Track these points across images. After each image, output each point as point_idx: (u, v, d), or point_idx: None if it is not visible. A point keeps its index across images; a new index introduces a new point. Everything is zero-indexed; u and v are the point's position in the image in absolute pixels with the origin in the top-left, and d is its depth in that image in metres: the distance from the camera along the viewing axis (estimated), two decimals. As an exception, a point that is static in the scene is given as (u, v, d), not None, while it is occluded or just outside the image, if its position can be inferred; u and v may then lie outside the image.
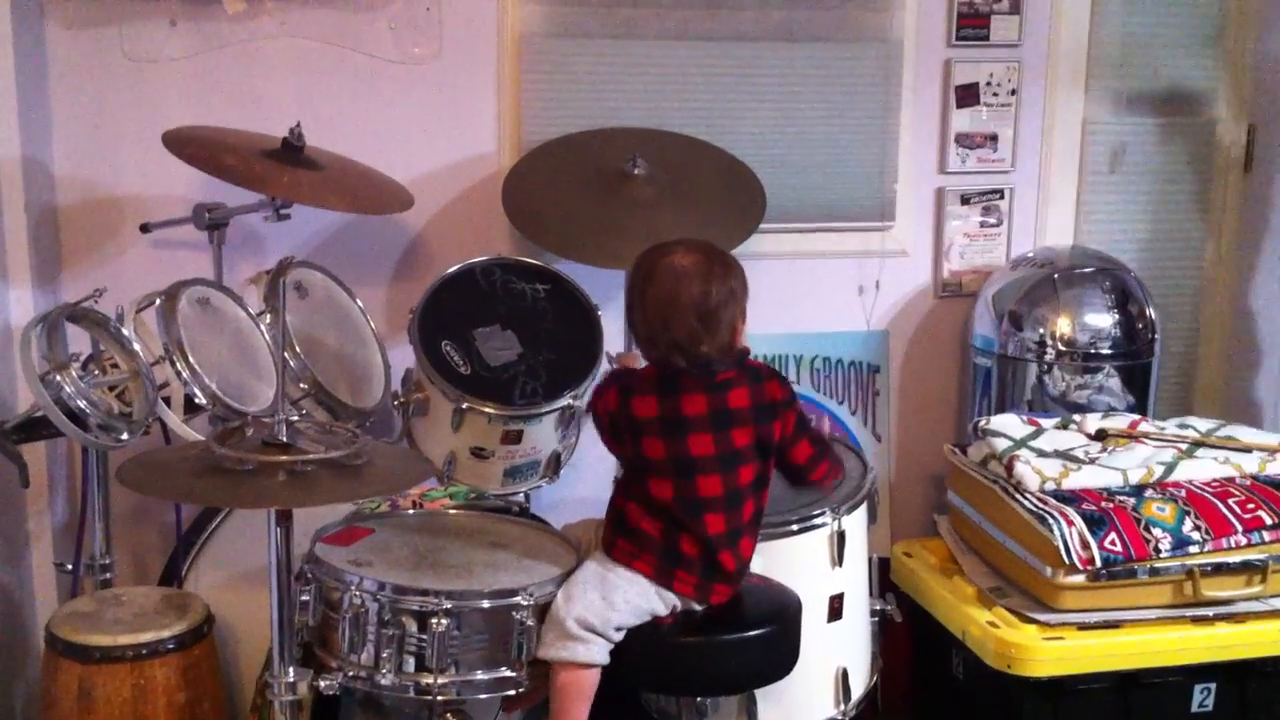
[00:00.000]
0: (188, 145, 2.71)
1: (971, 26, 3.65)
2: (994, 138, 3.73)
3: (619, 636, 2.37)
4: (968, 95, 3.69)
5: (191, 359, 2.38)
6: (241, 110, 3.22)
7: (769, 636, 2.45)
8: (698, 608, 2.43)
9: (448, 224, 3.45)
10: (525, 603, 2.31)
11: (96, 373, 2.31)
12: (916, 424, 3.84)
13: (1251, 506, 3.03)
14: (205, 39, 3.25)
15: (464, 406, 2.89)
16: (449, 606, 2.25)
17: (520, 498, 3.06)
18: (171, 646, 2.41)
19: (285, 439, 2.08)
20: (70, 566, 2.76)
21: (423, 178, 3.39)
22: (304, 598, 2.33)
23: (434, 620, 2.25)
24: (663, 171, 3.24)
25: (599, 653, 2.32)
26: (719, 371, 2.42)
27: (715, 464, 2.40)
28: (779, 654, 2.49)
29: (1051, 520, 2.94)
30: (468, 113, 3.42)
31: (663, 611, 2.40)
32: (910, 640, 3.32)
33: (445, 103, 3.40)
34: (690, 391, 2.41)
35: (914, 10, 3.62)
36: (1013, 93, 3.70)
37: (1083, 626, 2.93)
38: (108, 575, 2.74)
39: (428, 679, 2.28)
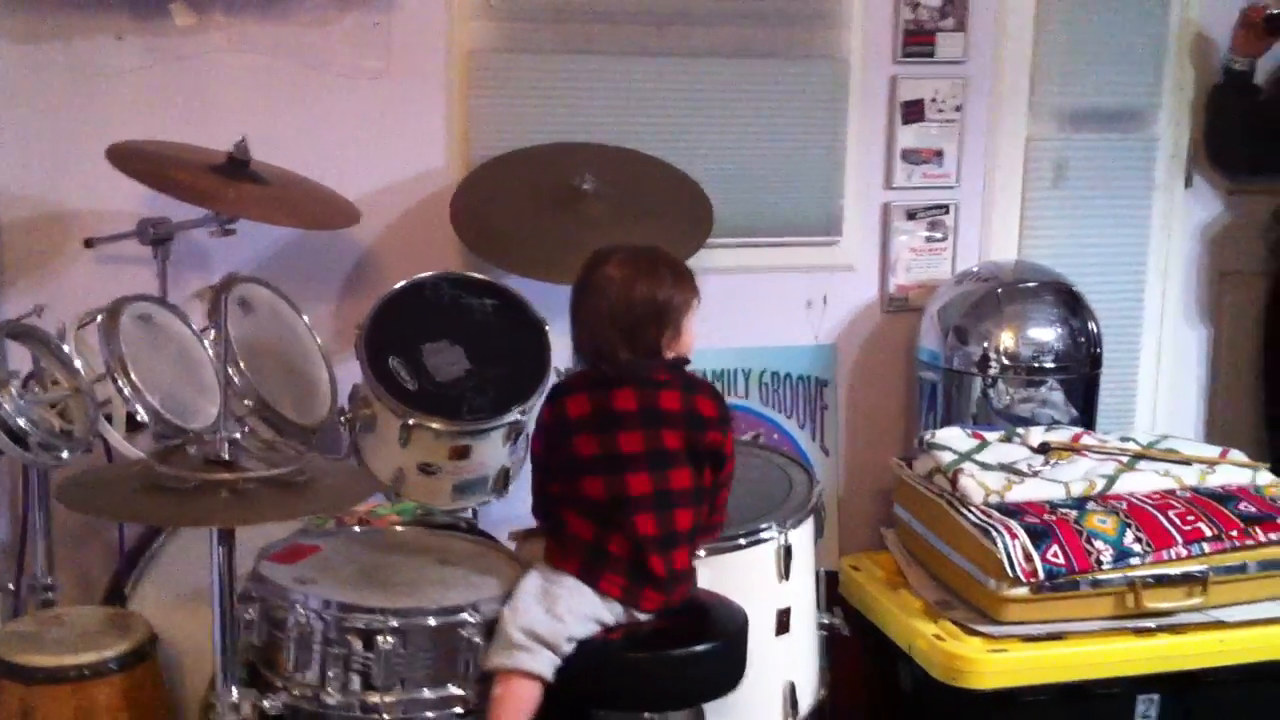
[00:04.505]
0: (133, 160, 2.69)
1: (917, 43, 3.69)
2: (939, 153, 3.77)
3: (569, 648, 2.36)
4: (913, 111, 3.72)
5: (133, 376, 2.36)
6: (189, 125, 3.19)
7: (717, 650, 2.46)
8: (640, 616, 2.42)
9: (398, 239, 3.44)
10: (472, 619, 2.31)
11: (37, 390, 2.29)
12: (864, 438, 3.86)
13: (1191, 518, 3.07)
14: (153, 53, 3.23)
15: (411, 422, 2.89)
16: (395, 624, 2.25)
17: (469, 513, 3.05)
18: (114, 667, 2.38)
19: (228, 457, 2.07)
20: (11, 586, 2.73)
21: (373, 193, 3.38)
22: (248, 616, 2.31)
23: (380, 638, 2.24)
24: (612, 187, 3.25)
25: (544, 664, 2.31)
26: (652, 373, 2.44)
27: (644, 462, 2.41)
28: (727, 668, 2.49)
29: (995, 533, 2.97)
30: (417, 128, 3.42)
31: (609, 619, 2.40)
32: (860, 654, 3.33)
33: (394, 118, 3.39)
34: (621, 387, 2.44)
35: (861, 28, 3.65)
36: (958, 109, 3.74)
37: (1027, 638, 2.96)
38: (50, 595, 2.70)
39: (374, 698, 2.27)
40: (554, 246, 3.11)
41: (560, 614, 2.34)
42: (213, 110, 3.25)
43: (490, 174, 3.31)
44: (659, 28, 3.50)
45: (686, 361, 2.51)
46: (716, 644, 2.46)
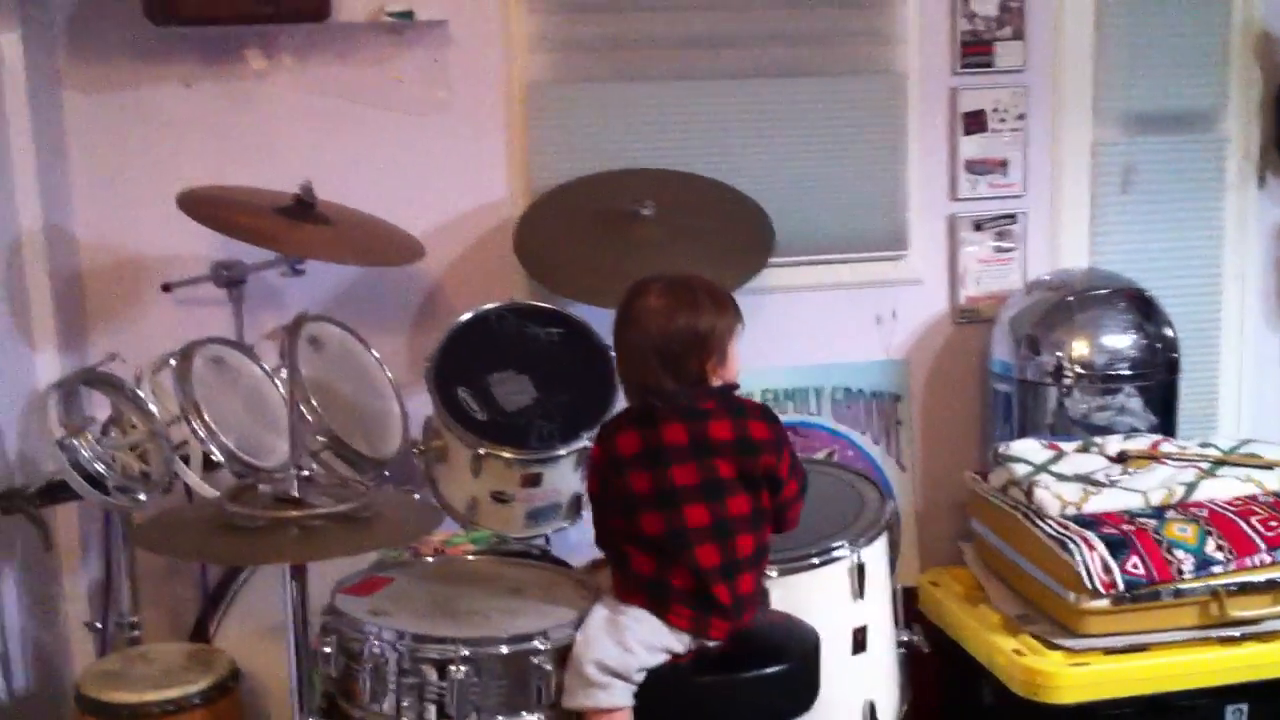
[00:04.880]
0: (202, 206, 2.76)
1: (976, 54, 3.67)
2: (1004, 163, 3.74)
3: (640, 677, 2.37)
4: (975, 122, 3.70)
5: (207, 417, 2.42)
6: (256, 168, 3.27)
7: (787, 672, 2.45)
8: (710, 644, 2.43)
9: (463, 272, 3.49)
10: (543, 647, 2.32)
11: (115, 435, 2.36)
12: (940, 452, 3.83)
13: (1275, 524, 3.01)
14: (219, 99, 3.32)
15: (481, 452, 2.93)
16: (467, 653, 2.26)
17: (542, 540, 3.08)
18: (198, 702, 2.44)
19: (296, 494, 2.11)
20: (99, 625, 2.80)
21: (437, 227, 3.44)
22: (325, 649, 2.35)
23: (453, 668, 2.26)
24: (672, 211, 3.27)
25: (621, 696, 2.32)
26: (698, 401, 2.45)
27: (699, 493, 2.40)
28: (798, 690, 2.48)
29: (1072, 545, 2.94)
30: (478, 161, 3.47)
31: (679, 648, 2.41)
32: (940, 670, 3.31)
33: (456, 152, 3.45)
34: (669, 421, 2.43)
35: (917, 41, 3.65)
36: (1020, 117, 3.72)
37: (1109, 651, 2.92)
38: (135, 633, 2.77)
39: (449, 727, 2.29)
40: (615, 273, 3.10)
41: (630, 645, 2.34)
42: (280, 152, 3.32)
43: (551, 203, 3.35)
44: (713, 51, 3.53)
45: (735, 387, 2.51)
46: (786, 665, 2.45)
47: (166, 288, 3.25)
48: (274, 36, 3.28)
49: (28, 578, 2.89)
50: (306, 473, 2.15)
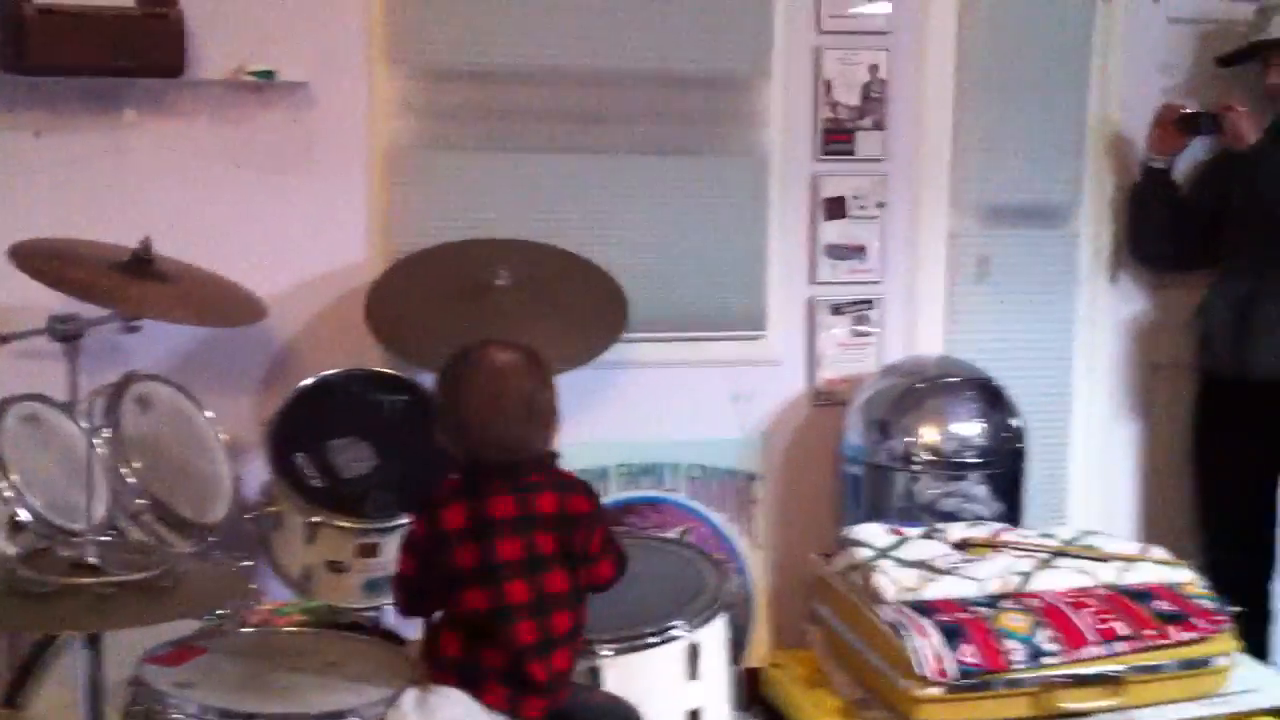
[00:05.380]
0: (33, 258, 2.70)
1: (837, 141, 3.73)
2: (862, 249, 3.79)
3: None
4: (835, 208, 3.75)
5: (13, 476, 2.34)
6: (108, 222, 3.17)
7: (608, 756, 2.43)
8: (527, 725, 2.39)
9: (318, 334, 3.44)
10: (353, 726, 2.27)
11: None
12: (794, 532, 3.84)
13: (1106, 617, 3.05)
14: (70, 150, 3.25)
15: (316, 520, 2.88)
16: (271, 730, 2.21)
17: (376, 612, 3.02)
18: (-11, 773, 2.35)
19: (94, 560, 2.05)
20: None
21: (293, 288, 3.40)
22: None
23: (259, 744, 2.21)
24: (528, 282, 3.26)
25: (428, 778, 2.28)
26: (529, 473, 2.42)
27: (522, 569, 2.37)
28: (619, 772, 2.46)
29: (906, 631, 2.95)
30: (337, 223, 3.44)
31: (494, 733, 2.37)
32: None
33: (315, 213, 3.42)
34: (498, 494, 2.40)
35: (780, 126, 3.69)
36: (880, 205, 3.77)
37: (942, 740, 2.94)
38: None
39: (253, 803, 2.22)
40: (466, 341, 3.10)
41: None
42: (134, 207, 3.25)
43: (406, 269, 3.32)
44: (581, 125, 3.54)
45: (557, 457, 2.49)
46: (608, 748, 2.42)
47: (3, 339, 3.15)
48: (129, 89, 3.23)
49: None
50: (107, 537, 2.08)
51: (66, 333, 2.92)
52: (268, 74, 3.25)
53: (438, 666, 2.39)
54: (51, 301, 3.12)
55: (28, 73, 3.05)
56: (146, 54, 3.01)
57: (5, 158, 3.22)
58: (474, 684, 2.34)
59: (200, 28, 3.22)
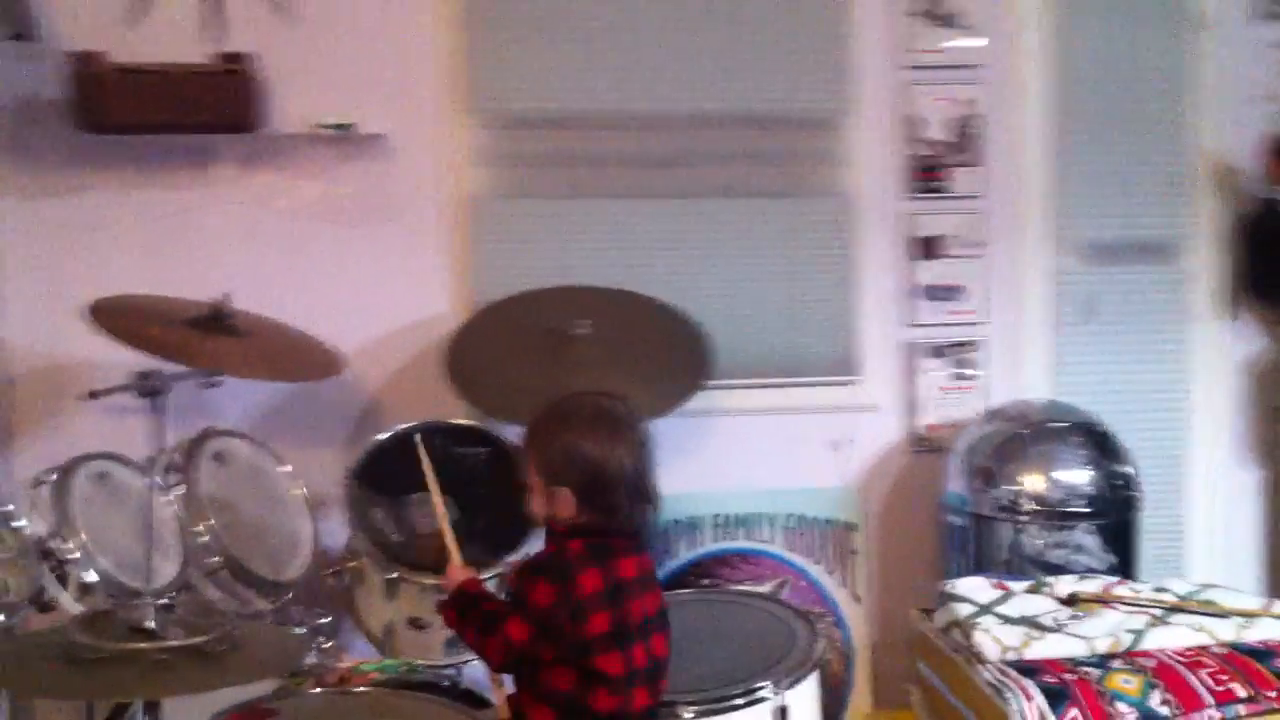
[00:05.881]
0: (111, 316, 2.71)
1: (929, 179, 3.61)
2: (961, 289, 3.66)
3: None
4: (931, 247, 3.63)
5: (83, 536, 2.33)
6: (188, 278, 3.22)
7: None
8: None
9: (401, 387, 3.43)
10: (418, 794, 2.20)
11: (-21, 554, 2.27)
12: (895, 584, 3.71)
13: (1224, 677, 2.85)
14: (156, 206, 3.29)
15: (395, 576, 2.83)
16: (333, 799, 2.15)
17: (454, 670, 2.95)
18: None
19: (151, 624, 2.01)
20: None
21: (376, 340, 3.38)
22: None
23: (320, 813, 2.15)
24: (609, 330, 3.19)
25: None
26: (642, 530, 2.34)
27: (641, 632, 2.29)
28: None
29: (1009, 693, 2.79)
30: (418, 275, 3.43)
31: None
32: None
33: (396, 265, 3.41)
34: (625, 554, 2.31)
35: (867, 165, 3.60)
36: (979, 244, 3.64)
37: (1047, 807, 2.77)
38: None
39: None
40: (545, 393, 3.02)
41: None
42: (213, 262, 3.29)
43: (484, 320, 3.28)
44: (662, 169, 3.48)
45: None
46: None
47: (93, 395, 3.17)
48: (208, 145, 3.25)
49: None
50: (171, 599, 2.04)
51: (150, 388, 2.94)
52: (345, 126, 3.25)
53: None
54: (134, 358, 3.16)
55: (107, 131, 3.10)
56: (222, 110, 3.03)
57: (89, 214, 3.27)
58: None
59: (279, 82, 3.24)
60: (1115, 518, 3.42)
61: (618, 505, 2.31)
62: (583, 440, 2.31)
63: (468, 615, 2.35)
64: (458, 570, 2.49)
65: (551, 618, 2.22)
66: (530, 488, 2.34)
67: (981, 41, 3.62)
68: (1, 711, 2.59)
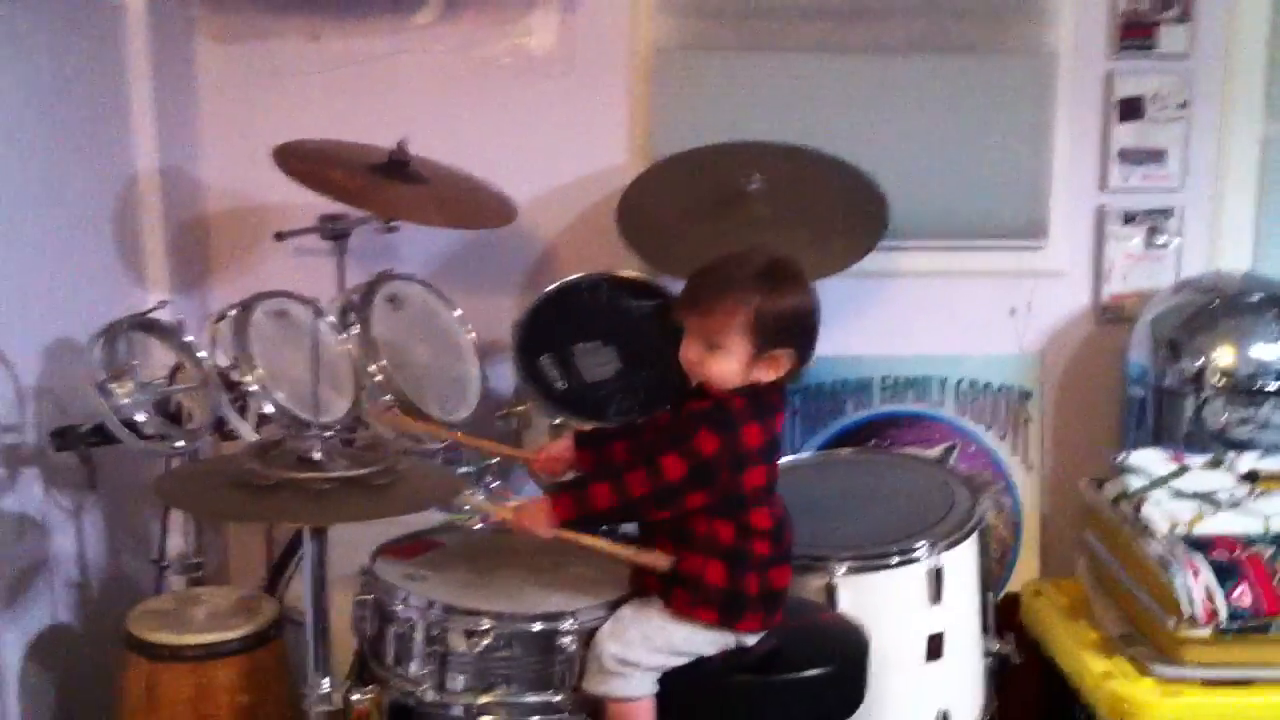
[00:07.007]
0: (294, 159, 2.78)
1: (1136, 37, 3.42)
2: (1161, 154, 3.49)
3: (660, 671, 2.29)
4: (1131, 109, 3.46)
5: (259, 369, 2.44)
6: (375, 122, 3.24)
7: (826, 677, 2.34)
8: (749, 643, 2.33)
9: (574, 236, 3.46)
10: (569, 628, 2.27)
11: (162, 381, 2.40)
12: (1070, 454, 3.63)
13: None
14: (345, 54, 3.35)
15: (558, 422, 2.90)
16: (488, 627, 2.23)
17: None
18: (235, 648, 2.48)
19: (318, 456, 2.11)
20: (164, 563, 2.86)
21: (552, 191, 3.41)
22: (361, 608, 2.35)
23: (476, 640, 2.24)
24: (784, 188, 3.15)
25: (639, 685, 2.25)
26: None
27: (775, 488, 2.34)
28: (838, 696, 2.37)
29: (1175, 567, 2.73)
30: (598, 125, 3.43)
31: (712, 653, 2.32)
32: (1036, 684, 3.13)
33: (577, 115, 3.42)
34: (779, 412, 2.32)
35: (1071, 20, 3.43)
36: (1182, 106, 3.46)
37: (1208, 683, 2.72)
38: (198, 574, 2.83)
39: (469, 699, 2.26)
40: (714, 249, 3.02)
41: (658, 644, 2.25)
42: (398, 108, 3.34)
43: (660, 174, 3.28)
44: (848, 22, 3.39)
45: None
46: (826, 670, 2.34)
47: (280, 236, 3.29)
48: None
49: (110, 512, 2.97)
50: (330, 434, 2.13)
51: (335, 231, 3.05)
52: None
53: (692, 592, 2.28)
54: (321, 202, 3.26)
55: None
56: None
57: (283, 60, 3.34)
58: (736, 613, 2.28)
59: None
60: (1307, 396, 3.28)
61: (809, 356, 2.31)
62: (809, 300, 2.29)
63: (584, 485, 2.29)
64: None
65: (713, 466, 2.22)
66: (720, 348, 2.23)
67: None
68: (191, 531, 2.78)
